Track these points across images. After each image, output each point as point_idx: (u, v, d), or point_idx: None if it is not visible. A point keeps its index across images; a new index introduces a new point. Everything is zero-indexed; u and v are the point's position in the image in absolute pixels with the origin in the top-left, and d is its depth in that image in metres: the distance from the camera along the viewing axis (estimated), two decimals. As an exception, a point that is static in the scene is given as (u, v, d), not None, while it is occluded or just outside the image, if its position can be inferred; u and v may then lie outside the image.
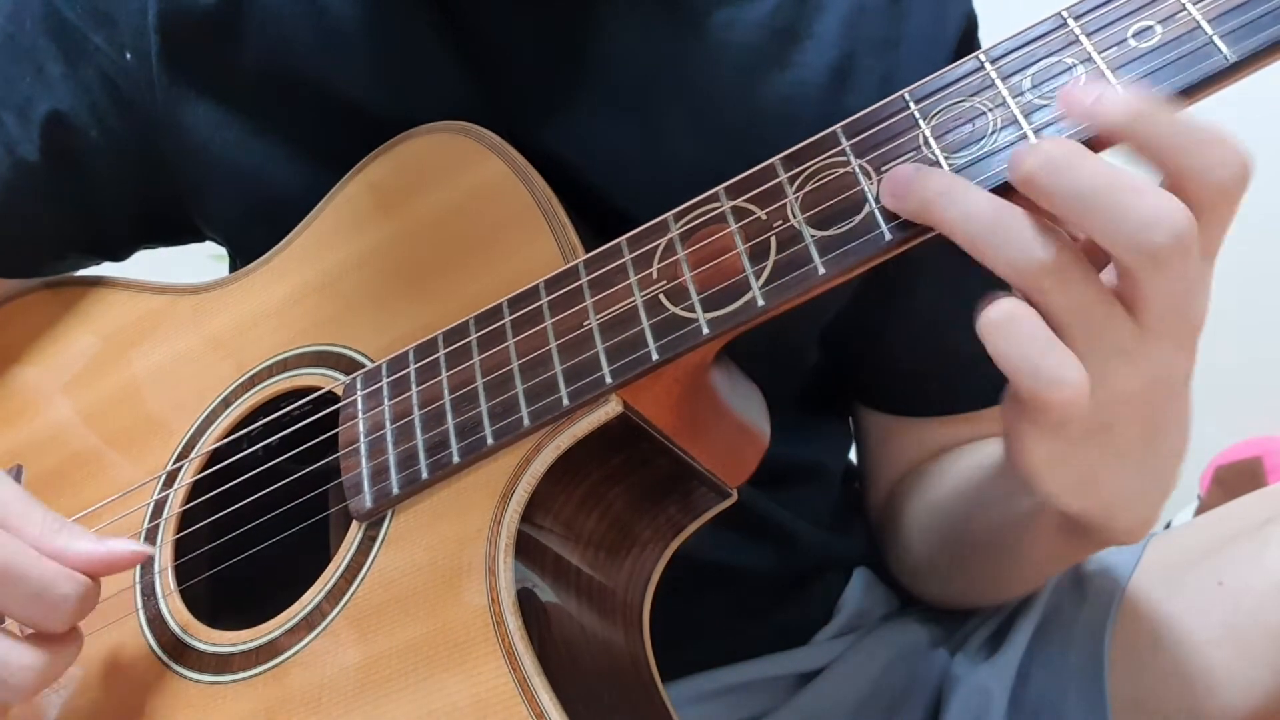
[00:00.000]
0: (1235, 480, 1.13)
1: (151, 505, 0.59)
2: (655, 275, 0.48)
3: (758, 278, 0.45)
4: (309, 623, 0.50)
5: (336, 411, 0.55)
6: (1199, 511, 1.14)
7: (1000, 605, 0.68)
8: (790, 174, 0.46)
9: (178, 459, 0.59)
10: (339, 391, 0.55)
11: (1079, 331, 0.40)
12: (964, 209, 0.40)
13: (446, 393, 0.51)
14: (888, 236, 0.43)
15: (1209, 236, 0.39)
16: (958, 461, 0.67)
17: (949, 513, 0.64)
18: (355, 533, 0.51)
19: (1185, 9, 0.40)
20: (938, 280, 0.63)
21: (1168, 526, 1.05)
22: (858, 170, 0.44)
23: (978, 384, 0.66)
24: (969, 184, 0.40)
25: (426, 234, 0.56)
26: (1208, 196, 0.38)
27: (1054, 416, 0.41)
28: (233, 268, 0.73)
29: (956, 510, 0.64)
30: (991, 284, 0.67)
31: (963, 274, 0.62)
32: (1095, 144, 0.40)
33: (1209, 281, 0.40)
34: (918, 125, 0.43)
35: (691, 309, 0.47)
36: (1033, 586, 0.65)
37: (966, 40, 0.61)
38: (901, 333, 0.66)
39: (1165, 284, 0.38)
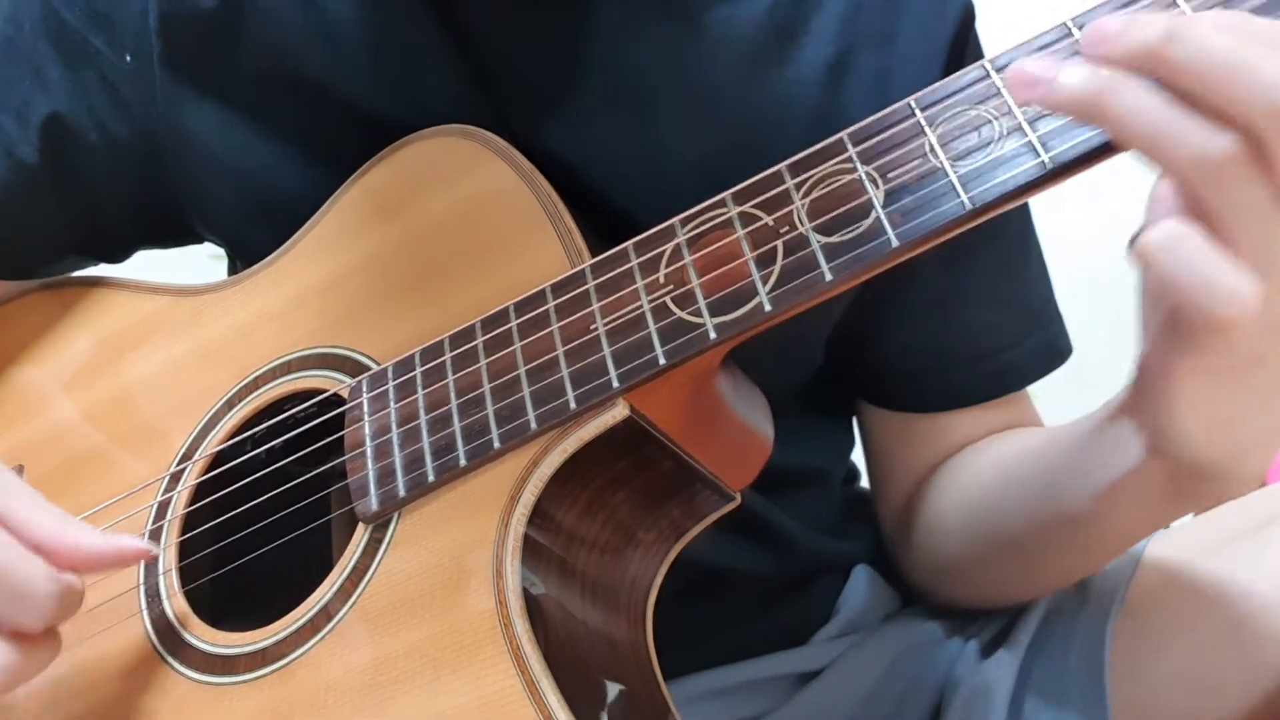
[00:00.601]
0: (1234, 480, 1.13)
1: (155, 507, 0.59)
2: (662, 280, 0.48)
3: (764, 283, 0.46)
4: (315, 625, 0.51)
5: (342, 414, 0.55)
6: (1199, 511, 1.14)
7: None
8: (797, 180, 0.46)
9: (181, 461, 0.59)
10: (344, 394, 0.55)
11: (1250, 237, 0.38)
12: (1137, 101, 0.37)
13: (453, 396, 0.51)
14: (894, 243, 0.43)
15: None
16: (990, 453, 0.66)
17: (993, 506, 0.63)
18: (361, 535, 0.52)
19: None
20: (933, 273, 0.63)
21: (1167, 526, 1.05)
22: (864, 177, 0.45)
23: (988, 373, 0.66)
24: (1134, 77, 0.38)
25: (432, 237, 0.57)
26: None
27: (1223, 339, 0.39)
28: (232, 269, 0.73)
29: (1005, 501, 0.62)
30: (986, 278, 0.66)
31: (955, 266, 0.63)
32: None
33: None
34: (924, 133, 0.44)
35: (698, 314, 0.47)
36: (1087, 572, 0.63)
37: (964, 33, 0.61)
38: (901, 329, 0.66)
39: None
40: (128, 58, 0.63)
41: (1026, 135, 0.42)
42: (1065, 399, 0.71)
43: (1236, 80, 0.36)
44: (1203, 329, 0.40)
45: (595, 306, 0.49)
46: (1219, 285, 0.37)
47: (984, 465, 0.65)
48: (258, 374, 0.59)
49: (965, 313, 0.65)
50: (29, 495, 0.48)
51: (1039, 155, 0.41)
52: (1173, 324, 0.42)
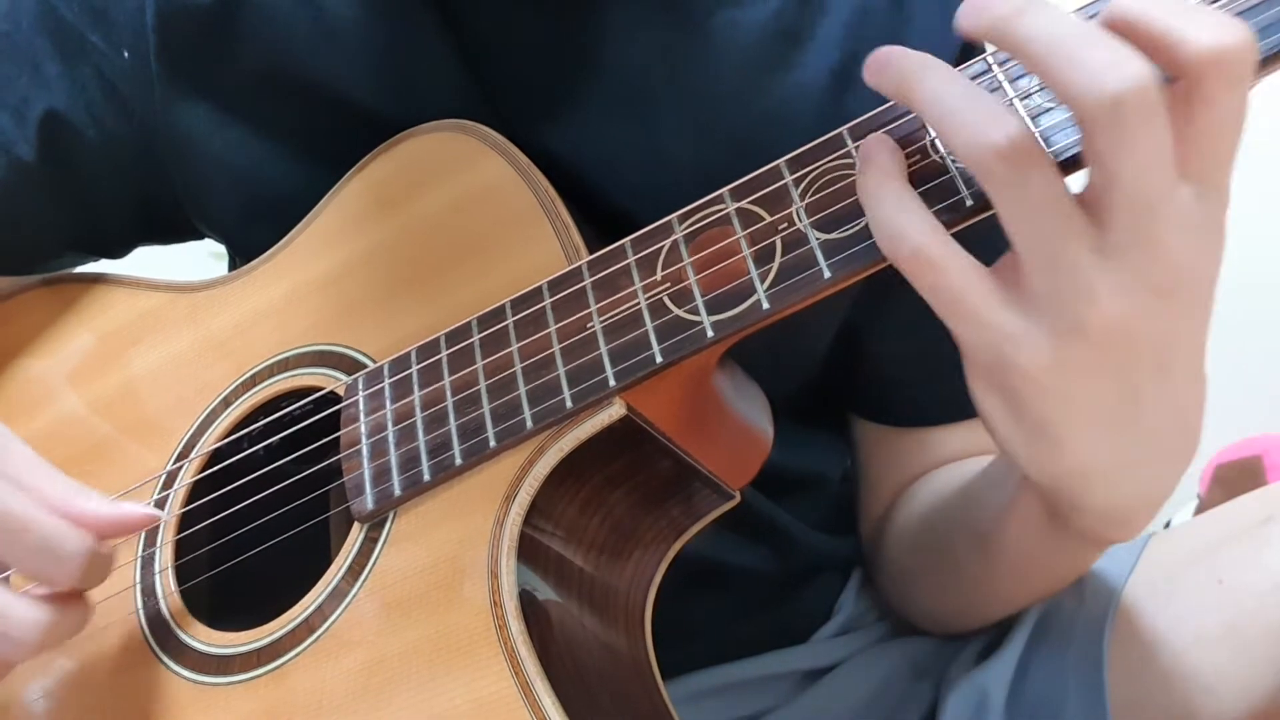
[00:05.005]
0: (1235, 479, 1.13)
1: (151, 506, 0.58)
2: (660, 278, 0.48)
3: (763, 281, 0.45)
4: (310, 625, 0.50)
5: (338, 412, 0.55)
6: (1199, 510, 1.14)
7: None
8: (796, 176, 0.46)
9: (178, 459, 0.59)
10: (340, 392, 0.55)
11: (1034, 243, 0.38)
12: (936, 85, 0.39)
13: (449, 394, 0.51)
14: (894, 239, 0.43)
15: (1188, 148, 0.36)
16: (955, 469, 0.65)
17: (940, 522, 0.62)
18: (357, 534, 0.51)
19: None
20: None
21: (1167, 525, 1.05)
22: None
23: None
24: (943, 64, 0.40)
25: (429, 233, 0.56)
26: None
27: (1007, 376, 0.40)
28: (232, 266, 0.73)
29: (945, 513, 0.62)
30: None
31: None
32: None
33: (1199, 221, 0.37)
34: (925, 127, 0.43)
35: (696, 311, 0.46)
36: (1020, 602, 0.62)
37: (973, 44, 0.61)
38: (891, 337, 0.65)
39: (1129, 160, 0.36)
40: (125, 54, 0.63)
41: (1029, 130, 0.41)
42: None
43: (1064, 62, 0.36)
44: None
45: (592, 305, 0.49)
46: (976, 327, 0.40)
47: (945, 479, 0.65)
48: (255, 371, 0.59)
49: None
50: (33, 459, 0.49)
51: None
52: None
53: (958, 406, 0.66)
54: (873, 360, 0.66)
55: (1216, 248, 0.39)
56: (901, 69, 0.40)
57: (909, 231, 0.40)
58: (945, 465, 0.67)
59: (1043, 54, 0.36)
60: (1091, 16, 0.41)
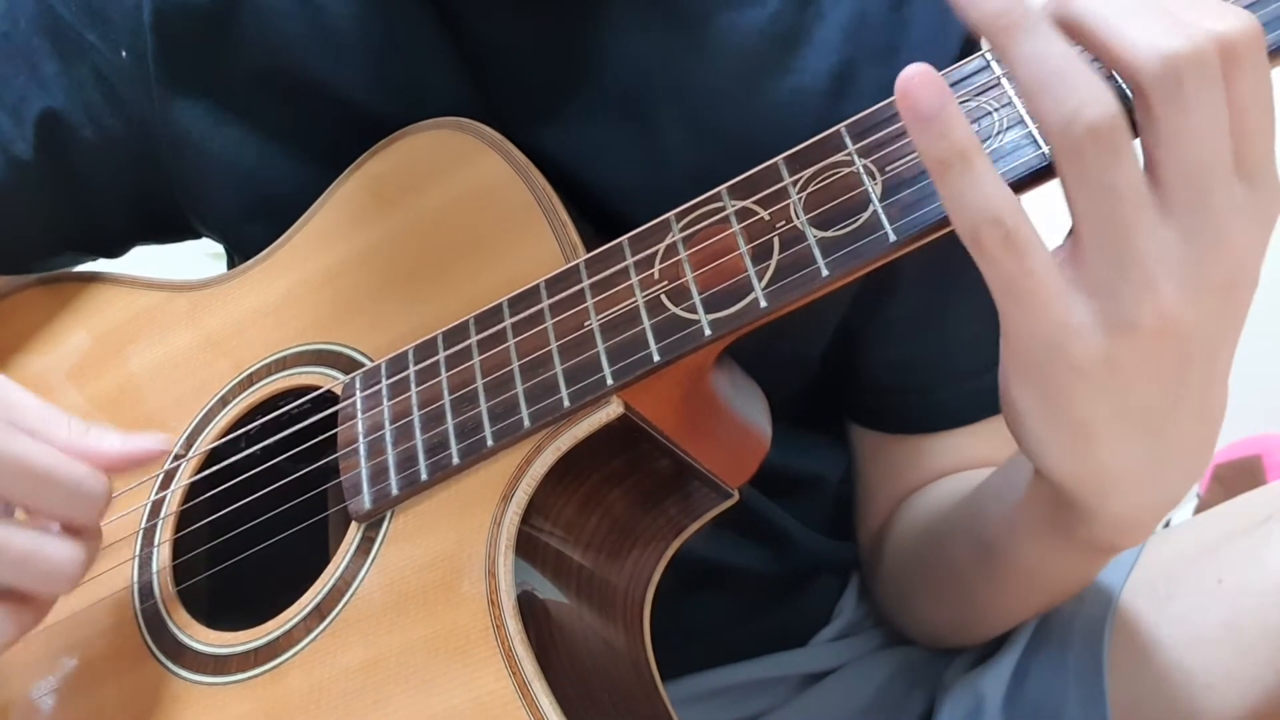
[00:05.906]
0: (1234, 478, 1.13)
1: (149, 505, 0.58)
2: (657, 276, 0.48)
3: (760, 279, 0.45)
4: (308, 624, 0.50)
5: (336, 411, 0.54)
6: (1198, 510, 1.14)
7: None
8: (794, 174, 0.45)
9: (175, 458, 0.59)
10: (338, 391, 0.55)
11: (1106, 229, 0.37)
12: (1041, 46, 0.36)
13: (446, 393, 0.51)
14: (892, 237, 0.42)
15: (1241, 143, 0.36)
16: (956, 481, 0.65)
17: (941, 534, 0.62)
18: (354, 533, 0.51)
19: None
20: (916, 286, 0.62)
21: (1166, 525, 1.05)
22: (862, 171, 0.44)
23: (970, 393, 0.65)
24: (1048, 21, 0.37)
25: (426, 231, 0.56)
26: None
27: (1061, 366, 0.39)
28: (230, 265, 0.73)
29: (947, 524, 0.61)
30: (972, 293, 0.66)
31: (939, 278, 0.61)
32: None
33: (1255, 212, 0.37)
34: None
35: (693, 310, 0.46)
36: (1020, 615, 0.61)
37: (970, 48, 0.60)
38: (887, 345, 0.65)
39: (1187, 123, 0.35)
40: (123, 53, 0.63)
41: (1028, 126, 0.41)
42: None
43: (1124, 27, 0.36)
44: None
45: (589, 303, 0.49)
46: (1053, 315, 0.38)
47: (948, 493, 0.64)
48: (252, 370, 0.59)
49: (949, 326, 0.64)
50: (41, 405, 0.49)
51: (1040, 146, 0.41)
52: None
53: (953, 414, 0.65)
54: (868, 366, 0.66)
55: (1265, 247, 0.39)
56: (1006, 13, 0.37)
57: (1003, 212, 0.37)
58: (944, 476, 0.66)
59: (1099, 21, 0.36)
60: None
